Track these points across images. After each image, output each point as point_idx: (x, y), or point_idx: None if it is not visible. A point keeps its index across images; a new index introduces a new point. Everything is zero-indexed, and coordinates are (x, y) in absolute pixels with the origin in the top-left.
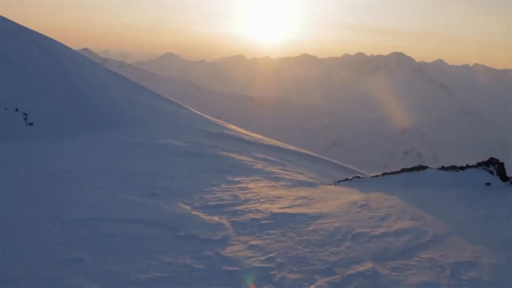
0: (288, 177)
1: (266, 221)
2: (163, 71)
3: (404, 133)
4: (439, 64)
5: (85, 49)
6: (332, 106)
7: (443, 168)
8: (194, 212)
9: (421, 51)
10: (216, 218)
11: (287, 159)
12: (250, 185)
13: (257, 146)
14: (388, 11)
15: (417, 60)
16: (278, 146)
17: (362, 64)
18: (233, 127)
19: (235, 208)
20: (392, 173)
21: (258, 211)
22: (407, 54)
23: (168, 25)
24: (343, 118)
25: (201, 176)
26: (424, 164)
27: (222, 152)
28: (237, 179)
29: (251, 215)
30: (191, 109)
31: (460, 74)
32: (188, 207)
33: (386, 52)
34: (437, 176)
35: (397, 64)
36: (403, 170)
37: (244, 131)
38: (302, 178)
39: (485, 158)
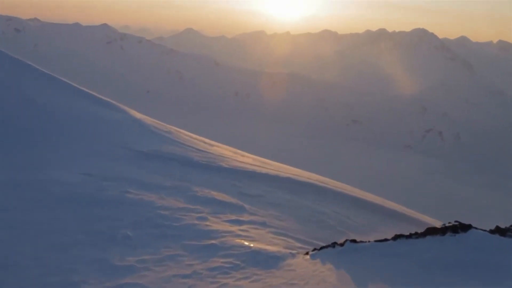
0: (237, 241)
1: None
2: (182, 47)
3: (425, 112)
4: (462, 41)
5: (104, 25)
6: (352, 83)
7: (497, 230)
8: None
9: (444, 28)
10: None
11: (251, 194)
12: (144, 279)
13: (207, 172)
14: None
15: (440, 36)
16: (244, 168)
17: (383, 41)
18: (184, 135)
19: None
20: (410, 236)
21: None
22: (430, 31)
23: (189, 0)
24: (363, 95)
25: (59, 257)
26: (445, 141)
27: (134, 194)
28: (130, 260)
29: None
30: (131, 111)
31: (484, 51)
32: None
33: (408, 28)
34: (489, 247)
35: (419, 41)
36: (429, 232)
37: (200, 141)
38: (259, 241)
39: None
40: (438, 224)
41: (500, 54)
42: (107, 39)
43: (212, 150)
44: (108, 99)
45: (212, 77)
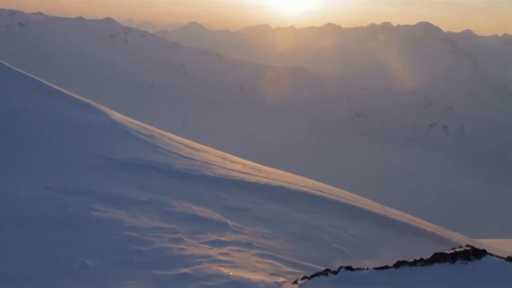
0: (214, 268)
1: None
2: (186, 41)
3: (429, 105)
4: (467, 35)
5: (108, 19)
6: (356, 77)
7: None
8: None
9: (449, 21)
10: None
11: (237, 208)
12: None
13: (189, 183)
14: None
15: (445, 30)
16: (231, 177)
17: (388, 34)
18: (167, 139)
19: None
20: (415, 263)
21: None
22: (435, 24)
23: None
24: (367, 89)
25: None
26: (450, 135)
27: (101, 212)
28: None
29: None
30: (111, 113)
31: (489, 44)
32: None
33: (413, 21)
34: (505, 276)
35: (424, 34)
36: (437, 258)
37: (186, 146)
38: (241, 267)
39: None
40: (442, 232)
41: (505, 47)
42: (111, 33)
43: (198, 156)
44: (87, 100)
45: (216, 71)
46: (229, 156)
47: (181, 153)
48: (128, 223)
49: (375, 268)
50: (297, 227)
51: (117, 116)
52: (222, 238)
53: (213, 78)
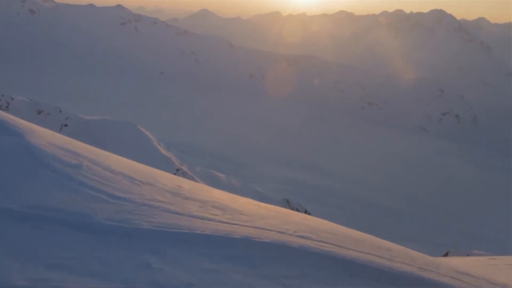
0: None
1: None
2: (197, 28)
3: (442, 94)
4: (480, 22)
5: (118, 6)
6: (368, 65)
7: None
8: None
9: (463, 9)
10: None
11: (175, 284)
12: None
13: (109, 244)
14: None
15: (458, 18)
16: (176, 228)
17: (400, 22)
18: (101, 169)
19: None
20: None
21: None
22: (448, 12)
23: None
24: (379, 77)
25: None
26: (462, 124)
27: None
28: None
29: None
30: (31, 132)
31: (502, 32)
32: None
33: (425, 9)
34: None
35: (437, 22)
36: None
37: (127, 176)
38: None
39: None
40: (456, 278)
41: None
42: (121, 20)
43: (136, 195)
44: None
45: (226, 58)
46: (186, 187)
47: (114, 191)
48: None
49: None
50: None
51: (38, 137)
52: None
53: (224, 66)
